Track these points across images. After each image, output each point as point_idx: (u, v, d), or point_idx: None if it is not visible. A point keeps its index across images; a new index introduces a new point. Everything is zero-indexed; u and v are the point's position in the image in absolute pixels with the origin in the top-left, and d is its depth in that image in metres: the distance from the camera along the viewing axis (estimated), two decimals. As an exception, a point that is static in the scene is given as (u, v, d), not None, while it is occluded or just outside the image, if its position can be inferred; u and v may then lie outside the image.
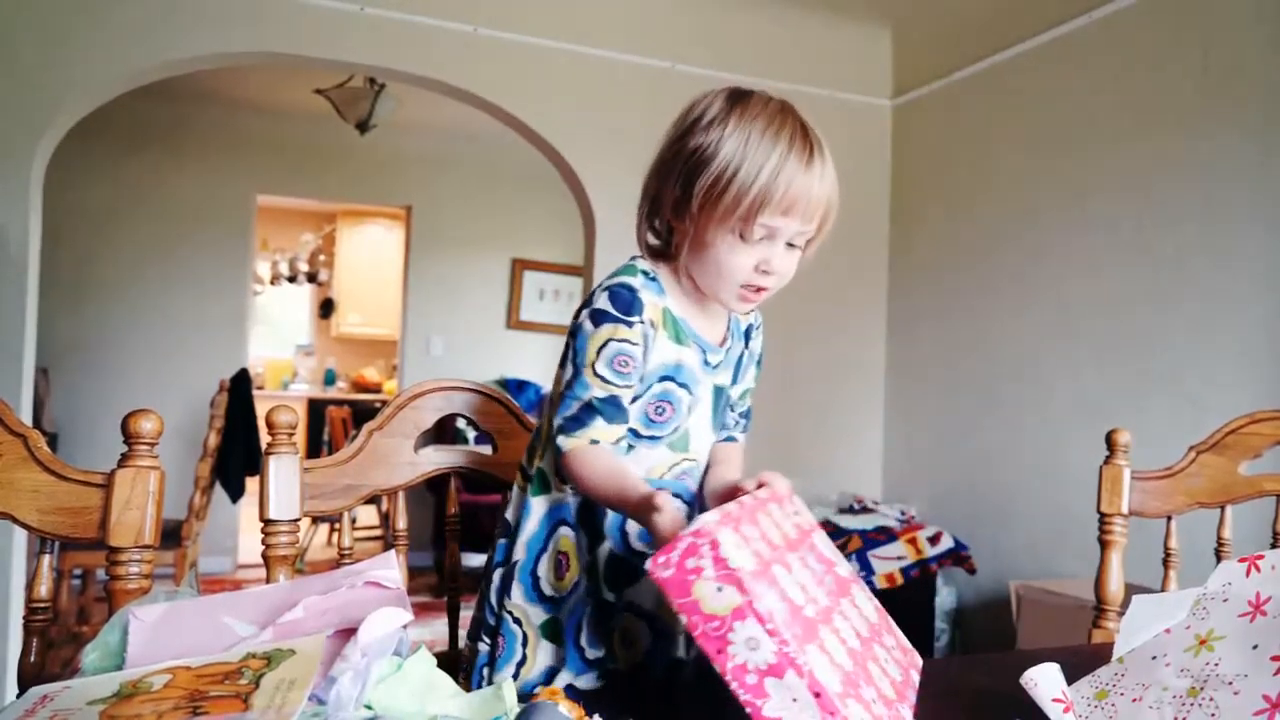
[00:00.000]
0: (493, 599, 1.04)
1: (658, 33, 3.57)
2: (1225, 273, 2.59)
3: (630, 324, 0.97)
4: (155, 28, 2.93)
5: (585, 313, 0.98)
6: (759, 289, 0.99)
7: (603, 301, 0.97)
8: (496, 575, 1.04)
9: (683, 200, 0.97)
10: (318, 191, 5.63)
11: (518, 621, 1.00)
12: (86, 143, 4.25)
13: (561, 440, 0.96)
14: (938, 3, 3.62)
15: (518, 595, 1.01)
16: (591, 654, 1.00)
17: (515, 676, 0.99)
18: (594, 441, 0.96)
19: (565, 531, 1.01)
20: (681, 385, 1.02)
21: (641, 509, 0.86)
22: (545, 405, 1.06)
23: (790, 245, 0.98)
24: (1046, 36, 3.18)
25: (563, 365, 1.01)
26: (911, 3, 3.68)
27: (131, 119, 4.71)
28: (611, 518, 1.02)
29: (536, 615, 1.00)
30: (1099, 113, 2.99)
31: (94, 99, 2.95)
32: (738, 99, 0.99)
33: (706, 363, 1.05)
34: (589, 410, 0.96)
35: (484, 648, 1.04)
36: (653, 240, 1.05)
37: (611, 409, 0.97)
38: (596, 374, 0.96)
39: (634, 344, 0.97)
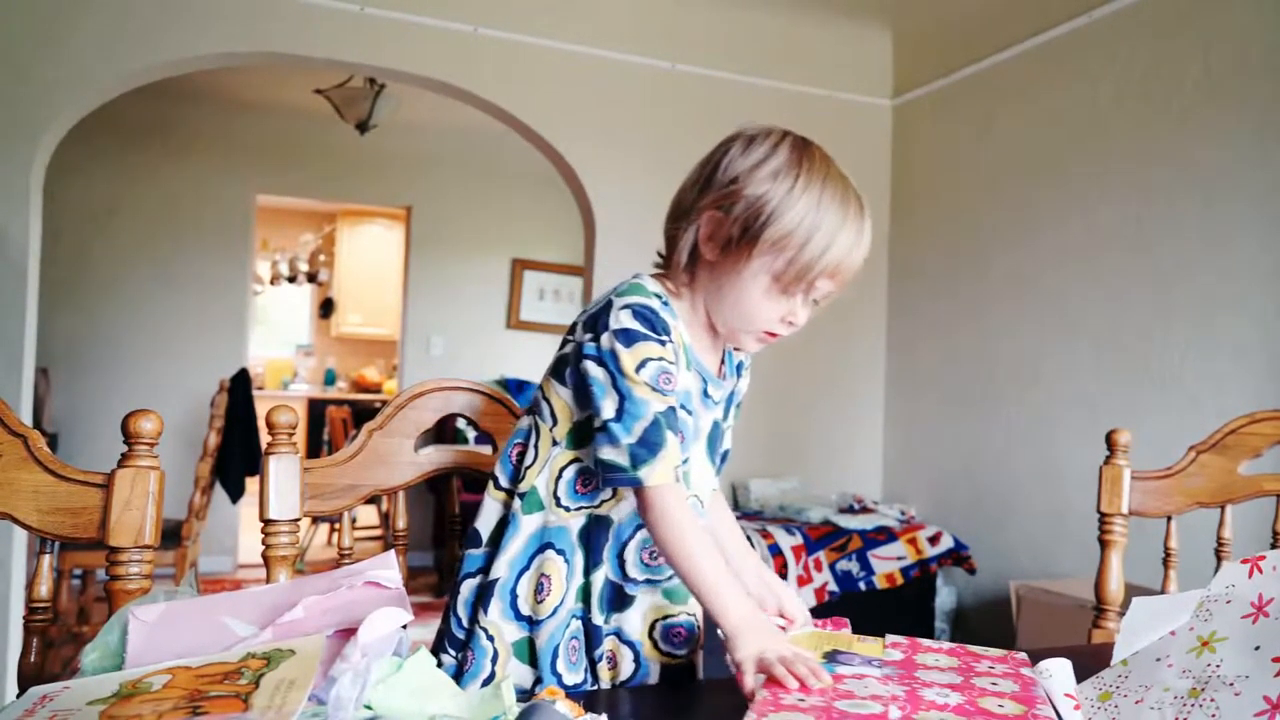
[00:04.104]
0: (460, 611, 1.01)
1: (658, 33, 3.57)
2: (1225, 273, 2.59)
3: (663, 342, 0.94)
4: (155, 28, 2.93)
5: (607, 335, 0.93)
6: (774, 335, 1.01)
7: (627, 320, 0.93)
8: (466, 587, 1.02)
9: (738, 241, 0.96)
10: (318, 191, 5.63)
11: (490, 638, 0.98)
12: (86, 142, 4.25)
13: (644, 473, 0.90)
14: (938, 3, 3.62)
15: (495, 612, 0.98)
16: (570, 678, 0.98)
17: None
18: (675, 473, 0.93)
19: (551, 555, 0.98)
20: (689, 413, 1.00)
21: (724, 625, 0.86)
22: (532, 418, 1.03)
23: (814, 300, 1.00)
24: (1046, 36, 3.18)
25: (585, 399, 0.95)
26: (911, 3, 3.68)
27: (131, 119, 4.71)
28: (611, 542, 1.00)
29: (511, 633, 0.98)
30: (1099, 113, 2.99)
31: (94, 99, 2.95)
32: (801, 151, 0.97)
33: (706, 394, 1.03)
34: (656, 428, 0.91)
35: (449, 660, 1.01)
36: (686, 262, 1.01)
37: (675, 421, 0.94)
38: (653, 388, 0.92)
39: (672, 362, 0.94)
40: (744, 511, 3.62)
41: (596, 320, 0.95)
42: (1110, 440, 1.39)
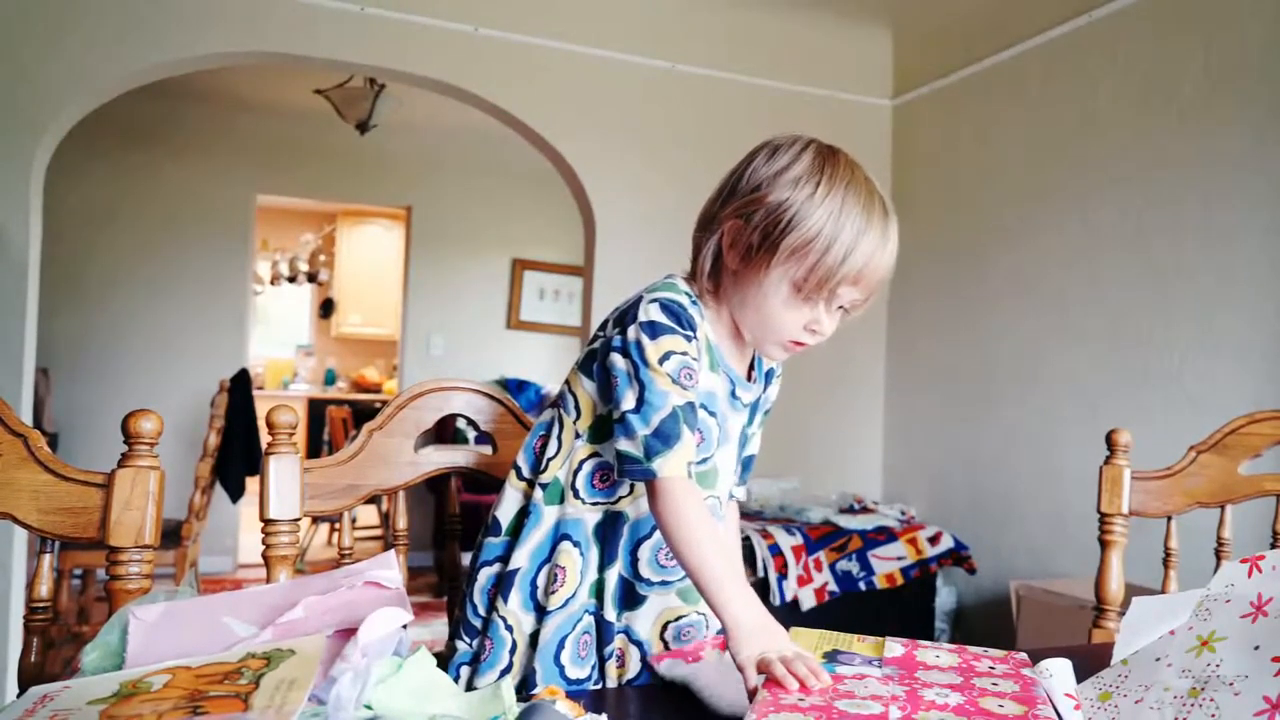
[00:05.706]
0: (477, 599, 1.01)
1: (658, 33, 3.57)
2: (1225, 273, 2.59)
3: (689, 337, 0.94)
4: (155, 28, 2.93)
5: (633, 328, 0.94)
6: (800, 344, 1.00)
7: (655, 313, 0.94)
8: (483, 575, 1.02)
9: (759, 249, 0.95)
10: (318, 191, 5.63)
11: (510, 628, 0.98)
12: (87, 142, 4.25)
13: (658, 464, 0.90)
14: (938, 3, 3.61)
15: (515, 602, 0.99)
16: (574, 672, 0.98)
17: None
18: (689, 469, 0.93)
19: (567, 546, 0.98)
20: (711, 414, 1.01)
21: (726, 622, 0.85)
22: (556, 410, 1.03)
23: (841, 308, 0.99)
24: (1046, 36, 3.18)
25: (608, 392, 0.95)
26: (911, 3, 3.68)
27: (131, 119, 4.71)
28: (625, 539, 1.00)
29: (530, 625, 0.99)
30: (1099, 113, 2.99)
31: (94, 99, 2.95)
32: (825, 158, 0.98)
33: (734, 395, 1.04)
34: (674, 420, 0.91)
35: (463, 647, 1.01)
36: (710, 271, 1.01)
37: (693, 416, 0.94)
38: (674, 380, 0.92)
39: (694, 359, 0.95)
40: (744, 511, 3.62)
41: (625, 315, 0.96)
42: (1110, 440, 1.39)
